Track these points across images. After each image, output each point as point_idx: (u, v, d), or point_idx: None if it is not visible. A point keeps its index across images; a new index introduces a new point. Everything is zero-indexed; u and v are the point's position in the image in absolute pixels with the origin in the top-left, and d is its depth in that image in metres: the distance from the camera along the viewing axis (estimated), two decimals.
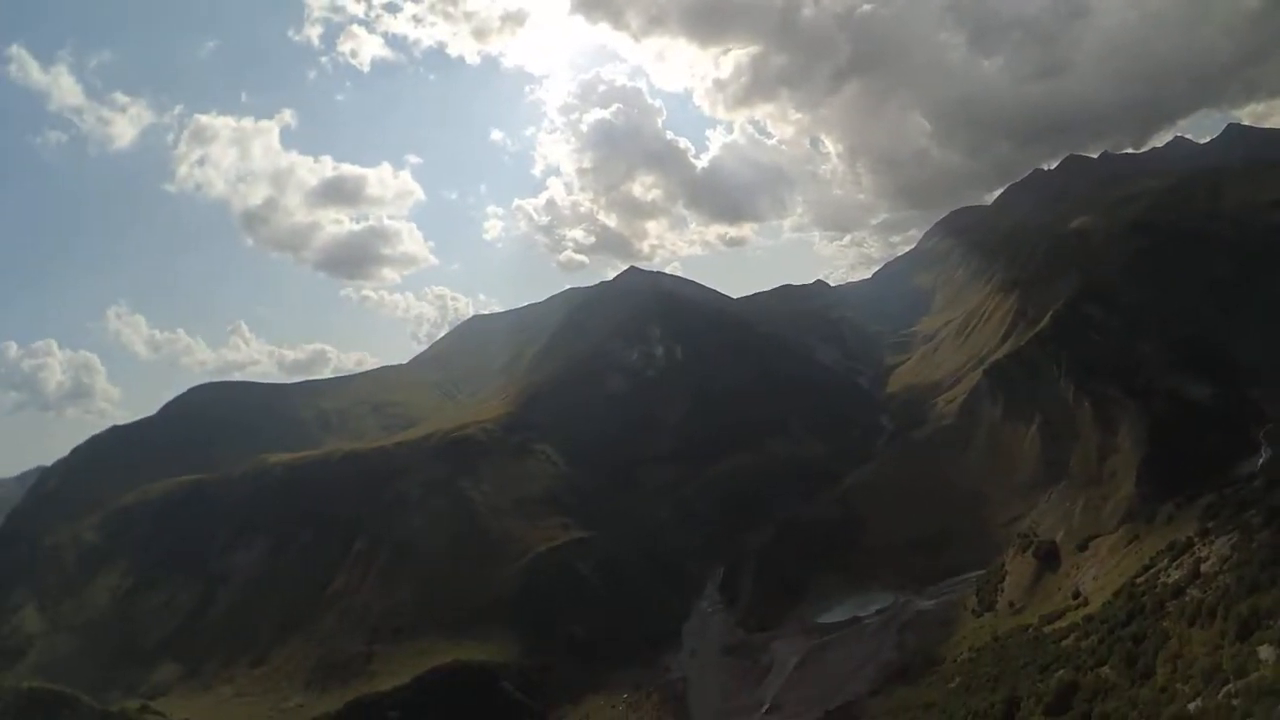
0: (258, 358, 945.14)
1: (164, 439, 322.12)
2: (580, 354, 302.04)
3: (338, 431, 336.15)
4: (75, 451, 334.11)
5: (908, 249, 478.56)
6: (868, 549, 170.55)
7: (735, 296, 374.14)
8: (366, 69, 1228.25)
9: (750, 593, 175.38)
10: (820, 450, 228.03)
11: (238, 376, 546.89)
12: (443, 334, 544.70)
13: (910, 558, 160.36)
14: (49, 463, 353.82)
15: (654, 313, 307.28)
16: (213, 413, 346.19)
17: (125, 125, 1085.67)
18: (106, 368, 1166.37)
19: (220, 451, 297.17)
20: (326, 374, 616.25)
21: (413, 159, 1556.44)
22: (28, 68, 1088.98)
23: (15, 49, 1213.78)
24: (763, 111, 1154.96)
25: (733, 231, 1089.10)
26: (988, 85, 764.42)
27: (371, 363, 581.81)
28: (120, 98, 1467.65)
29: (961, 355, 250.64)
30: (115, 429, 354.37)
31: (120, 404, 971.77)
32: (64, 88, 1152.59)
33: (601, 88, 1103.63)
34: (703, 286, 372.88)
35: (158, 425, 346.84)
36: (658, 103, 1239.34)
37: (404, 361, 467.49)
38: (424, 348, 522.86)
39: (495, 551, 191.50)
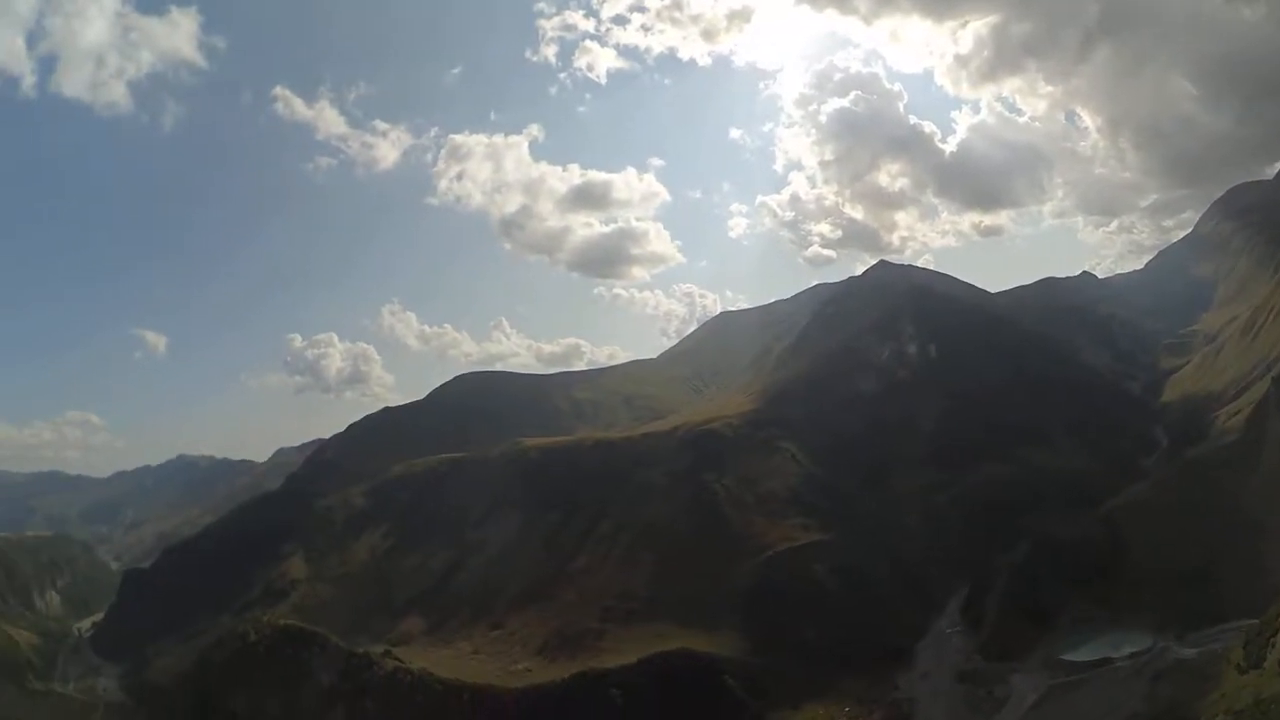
0: (517, 350, 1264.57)
1: (430, 421, 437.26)
2: (829, 351, 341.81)
3: (590, 420, 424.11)
4: (351, 428, 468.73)
5: (1183, 234, 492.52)
6: (1130, 581, 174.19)
7: (993, 291, 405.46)
8: (604, 81, 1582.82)
9: (994, 617, 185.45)
10: (1083, 463, 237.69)
11: (499, 367, 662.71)
12: (691, 330, 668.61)
13: (1176, 595, 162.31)
14: (327, 436, 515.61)
15: (906, 308, 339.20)
16: (475, 399, 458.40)
17: (387, 148, 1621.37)
18: (381, 357, 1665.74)
19: (479, 434, 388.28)
20: (581, 366, 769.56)
21: (655, 162, 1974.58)
22: (293, 105, 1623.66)
23: (279, 89, 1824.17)
24: (1010, 87, 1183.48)
25: (987, 220, 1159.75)
26: (1250, 39, 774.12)
27: (623, 357, 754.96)
28: (380, 124, 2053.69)
29: (1248, 359, 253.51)
30: (387, 410, 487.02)
31: (392, 389, 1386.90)
32: (328, 119, 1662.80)
33: (837, 76, 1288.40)
34: (957, 280, 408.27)
35: (425, 408, 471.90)
36: (897, 86, 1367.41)
37: (654, 356, 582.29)
38: (673, 343, 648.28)
39: (733, 546, 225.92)
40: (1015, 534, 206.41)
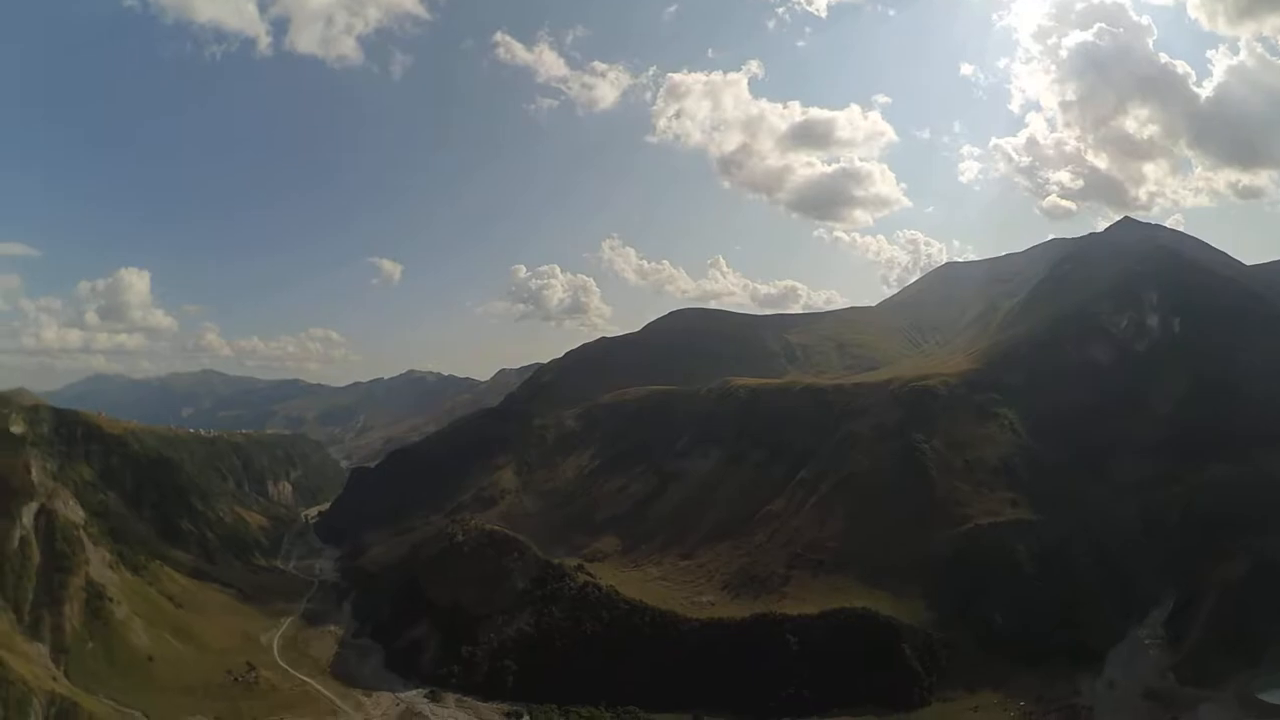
0: (733, 289, 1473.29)
1: (644, 353, 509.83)
2: (1061, 314, 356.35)
3: (801, 365, 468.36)
4: (568, 354, 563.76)
5: None
6: None
7: (1249, 263, 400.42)
8: (823, 13, 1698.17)
9: (1197, 636, 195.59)
10: None
11: (714, 305, 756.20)
12: (914, 279, 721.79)
13: None
14: (545, 361, 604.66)
15: (1150, 274, 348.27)
16: (688, 335, 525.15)
17: (607, 89, 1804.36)
18: (600, 289, 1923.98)
19: (691, 369, 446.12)
20: (796, 309, 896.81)
21: (881, 99, 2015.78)
22: (513, 49, 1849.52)
23: (500, 35, 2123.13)
24: (1272, 25, 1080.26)
25: (1246, 179, 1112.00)
26: None
27: (840, 302, 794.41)
28: (599, 65, 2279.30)
29: None
30: (603, 340, 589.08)
31: (610, 320, 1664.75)
32: (548, 62, 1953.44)
33: (1079, 6, 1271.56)
34: (1210, 246, 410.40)
35: (639, 341, 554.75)
36: (1145, 19, 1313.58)
37: (872, 304, 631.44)
38: (893, 291, 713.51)
39: (934, 512, 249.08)
40: (1235, 550, 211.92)
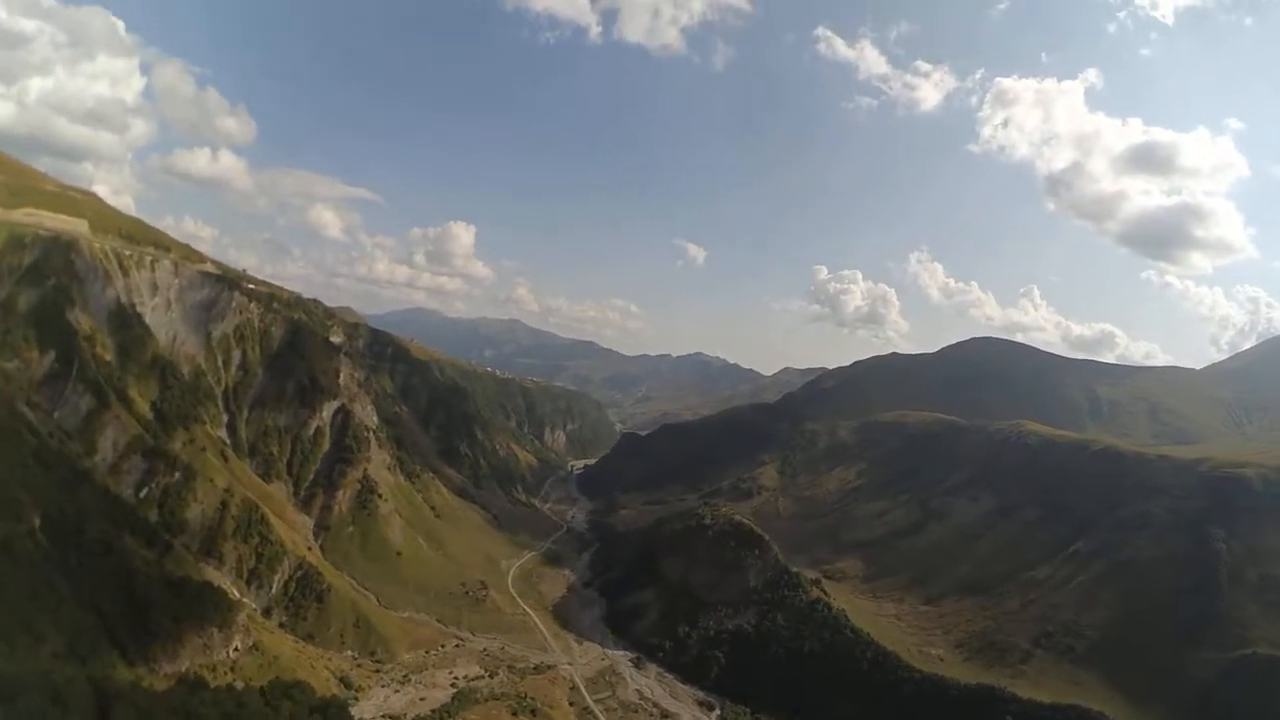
0: (1043, 324, 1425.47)
1: (935, 376, 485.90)
2: None
3: (1104, 422, 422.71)
4: (856, 364, 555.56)
5: None
6: None
7: None
8: (1170, 20, 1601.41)
9: None
10: None
11: (1019, 338, 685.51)
12: (1248, 345, 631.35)
13: None
14: (831, 367, 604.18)
15: None
16: (986, 366, 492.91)
17: (929, 90, 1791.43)
18: (900, 302, 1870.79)
19: (981, 403, 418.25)
20: (1109, 358, 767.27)
21: (1234, 124, 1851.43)
22: (834, 45, 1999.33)
23: (821, 30, 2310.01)
24: None
25: None
26: None
27: (1160, 359, 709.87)
28: (923, 65, 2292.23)
29: None
30: (895, 355, 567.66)
31: (906, 336, 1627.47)
32: (869, 59, 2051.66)
33: None
34: None
35: (932, 363, 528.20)
36: None
37: (1196, 367, 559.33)
38: (1223, 356, 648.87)
39: (1210, 625, 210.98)
40: None
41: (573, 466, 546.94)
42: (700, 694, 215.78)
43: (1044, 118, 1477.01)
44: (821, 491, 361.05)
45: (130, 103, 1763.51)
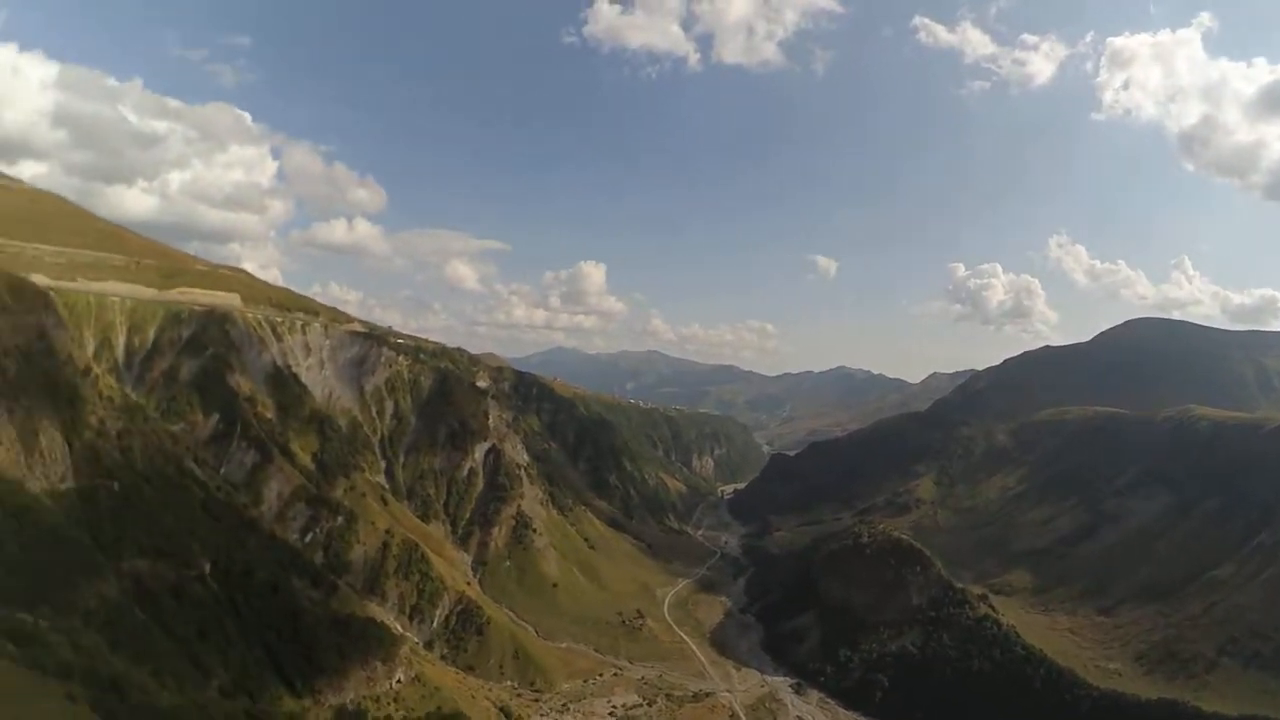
0: (1199, 297, 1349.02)
1: (1091, 367, 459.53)
2: None
3: (1277, 396, 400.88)
4: (1006, 362, 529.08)
5: None
6: None
7: None
8: None
9: None
10: None
11: (1176, 315, 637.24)
12: None
13: None
14: (980, 368, 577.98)
15: None
16: (1145, 349, 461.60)
17: (1040, 62, 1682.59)
18: (1045, 292, 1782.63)
19: (1144, 391, 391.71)
20: (1275, 326, 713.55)
21: None
22: (935, 32, 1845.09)
23: (919, 19, 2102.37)
24: None
25: None
26: None
27: None
28: (1029, 37, 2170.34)
29: None
30: (1047, 349, 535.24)
31: (1055, 327, 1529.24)
32: (973, 41, 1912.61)
33: None
34: None
35: (1087, 353, 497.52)
36: None
37: None
38: None
39: None
40: None
41: (722, 492, 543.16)
42: None
43: (1165, 73, 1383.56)
44: (982, 501, 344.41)
45: (265, 185, 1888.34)
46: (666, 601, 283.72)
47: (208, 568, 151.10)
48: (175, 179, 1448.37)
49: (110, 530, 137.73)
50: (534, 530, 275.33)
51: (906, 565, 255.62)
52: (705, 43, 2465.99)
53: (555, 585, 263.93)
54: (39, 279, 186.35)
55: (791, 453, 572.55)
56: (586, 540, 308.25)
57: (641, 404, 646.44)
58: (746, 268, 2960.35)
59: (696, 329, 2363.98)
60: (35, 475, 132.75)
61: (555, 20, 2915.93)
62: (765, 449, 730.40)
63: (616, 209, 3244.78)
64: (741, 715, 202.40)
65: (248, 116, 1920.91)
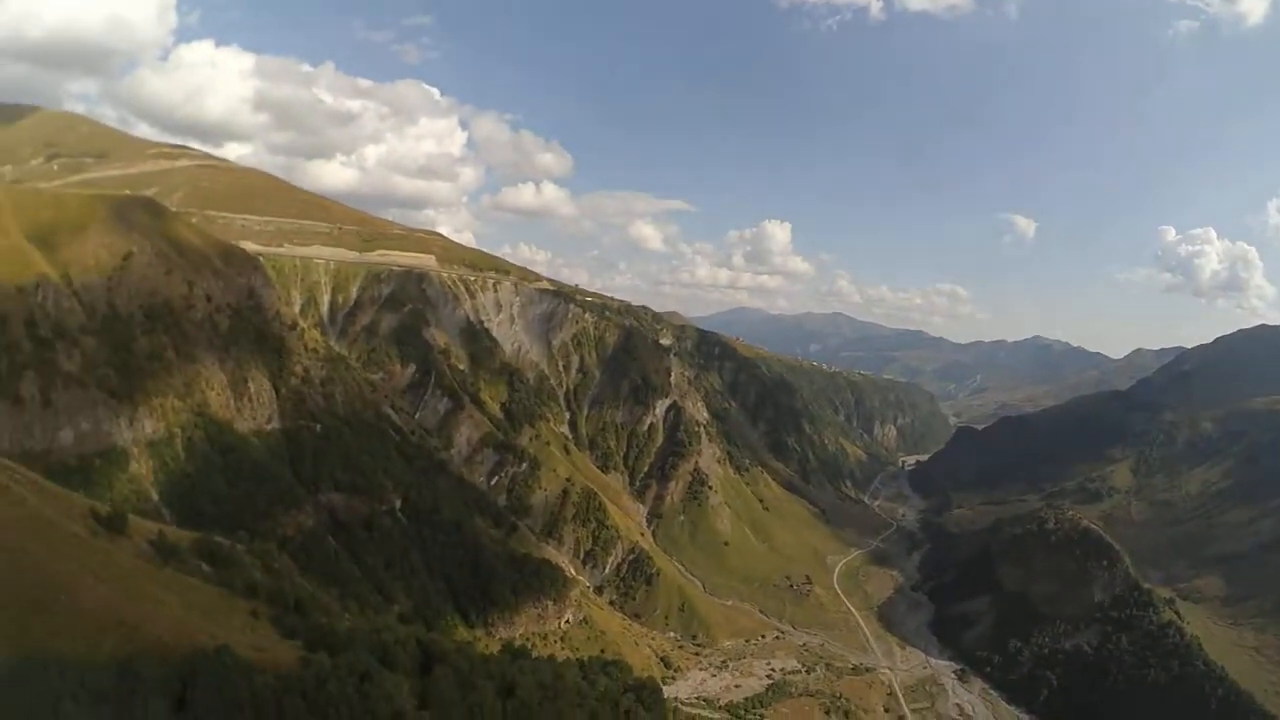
0: None
1: None
2: None
3: None
4: (1217, 341, 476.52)
5: None
6: None
7: None
8: None
9: None
10: None
11: None
12: None
13: None
14: (1189, 346, 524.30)
15: None
16: None
17: (1250, 1, 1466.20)
18: (1264, 263, 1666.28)
19: None
20: None
21: None
22: None
23: None
24: None
25: None
26: None
27: None
28: None
29: None
30: (1264, 328, 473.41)
31: (1273, 303, 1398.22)
32: None
33: None
34: None
35: None
36: None
37: None
38: None
39: None
40: None
41: (903, 462, 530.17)
42: (1026, 717, 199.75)
43: None
44: (1180, 495, 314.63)
45: (456, 154, 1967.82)
46: (837, 570, 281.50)
47: (398, 504, 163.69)
48: (371, 152, 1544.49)
49: (310, 467, 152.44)
50: (709, 487, 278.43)
51: (1092, 558, 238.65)
52: None
53: (726, 543, 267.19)
54: (249, 245, 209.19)
55: (979, 426, 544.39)
56: (761, 501, 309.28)
57: (824, 367, 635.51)
58: (938, 227, 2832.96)
59: (884, 291, 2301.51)
60: (244, 417, 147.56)
61: None
62: (951, 420, 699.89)
63: (801, 167, 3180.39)
64: (900, 694, 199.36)
65: (435, 91, 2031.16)
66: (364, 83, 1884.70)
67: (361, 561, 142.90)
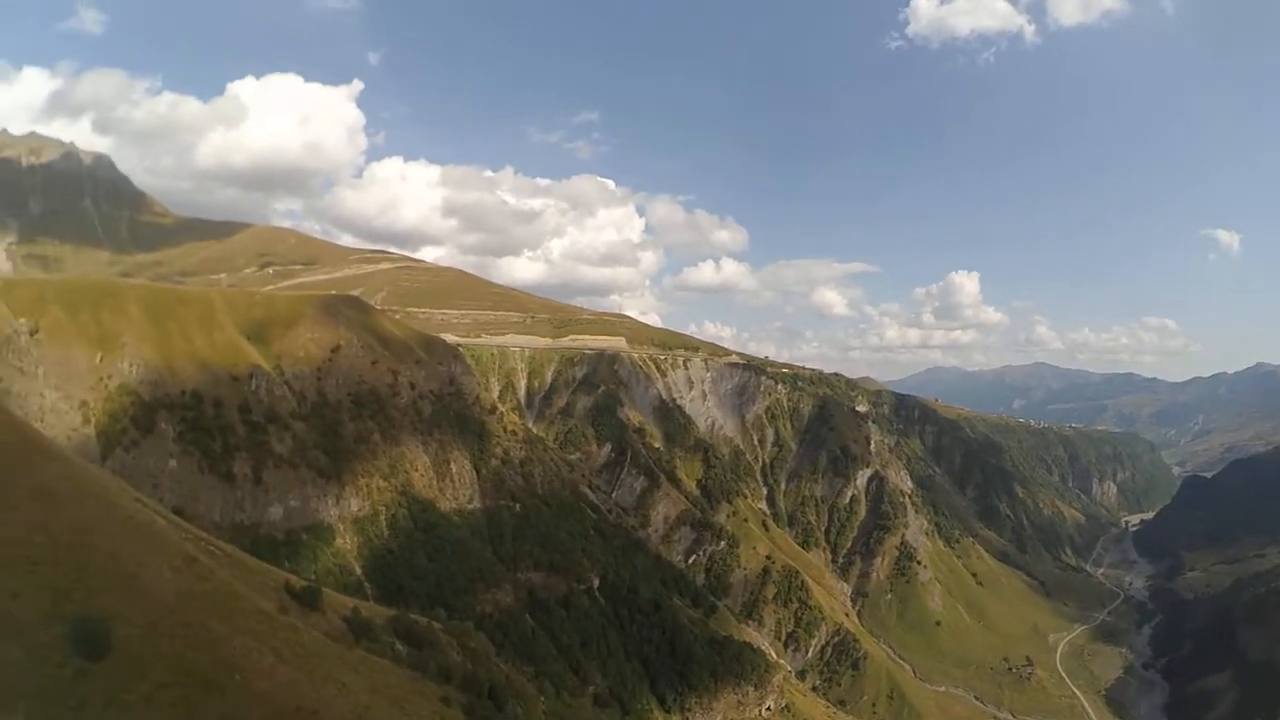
0: None
1: None
2: None
3: None
4: None
5: None
6: None
7: None
8: None
9: None
10: None
11: None
12: None
13: None
14: None
15: None
16: None
17: None
18: None
19: None
20: None
21: None
22: None
23: None
24: None
25: None
26: None
27: None
28: None
29: None
30: None
31: None
32: None
33: None
34: None
35: None
36: None
37: None
38: None
39: None
40: None
41: (1127, 522, 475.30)
42: None
43: None
44: None
45: (635, 240, 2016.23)
46: (1059, 649, 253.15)
47: (596, 582, 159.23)
48: (556, 245, 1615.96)
49: (510, 546, 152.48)
50: (918, 562, 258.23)
51: None
52: (1037, 10, 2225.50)
53: (938, 623, 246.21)
54: (448, 337, 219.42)
55: (1207, 474, 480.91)
56: (974, 575, 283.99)
57: (1032, 423, 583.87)
58: (1135, 256, 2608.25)
59: (1086, 334, 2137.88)
60: (446, 497, 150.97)
61: (874, 29, 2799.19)
62: (1176, 470, 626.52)
63: (982, 213, 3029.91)
64: None
65: (610, 182, 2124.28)
66: (542, 181, 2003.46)
67: (558, 640, 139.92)
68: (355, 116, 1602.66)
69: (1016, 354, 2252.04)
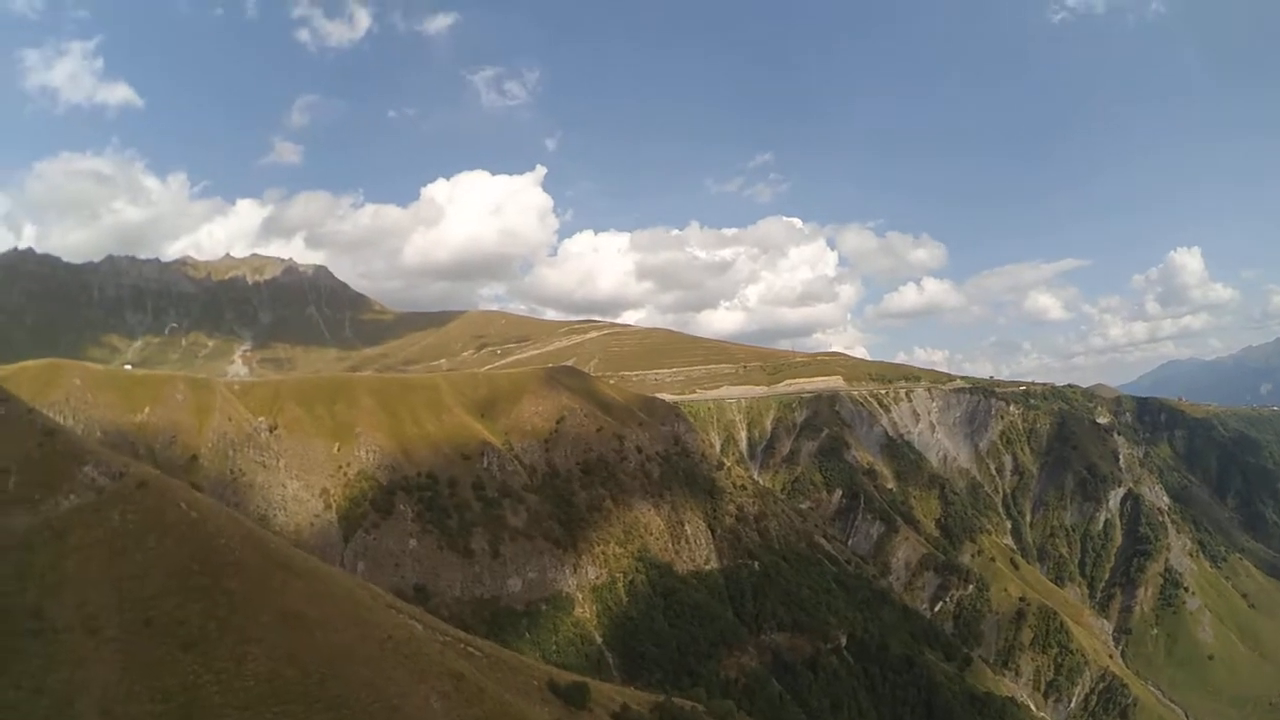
0: None
1: None
2: None
3: None
4: None
5: None
6: None
7: None
8: None
9: None
10: None
11: None
12: None
13: None
14: None
15: None
16: None
17: None
18: None
19: None
20: None
21: None
22: None
23: None
24: None
25: None
26: None
27: None
28: None
29: None
30: None
31: None
32: None
33: None
34: None
35: None
36: None
37: None
38: None
39: None
40: None
41: None
42: None
43: None
44: None
45: (831, 274, 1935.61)
46: None
47: (844, 640, 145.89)
48: (752, 292, 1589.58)
49: (751, 606, 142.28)
50: (1184, 589, 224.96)
51: None
52: None
53: (1211, 657, 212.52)
54: (665, 396, 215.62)
55: None
56: (1244, 596, 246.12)
57: None
58: None
59: None
60: (682, 559, 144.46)
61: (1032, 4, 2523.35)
62: None
63: (1196, 178, 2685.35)
64: None
65: (797, 220, 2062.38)
66: (729, 231, 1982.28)
67: (806, 705, 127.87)
68: (542, 199, 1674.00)
69: (1254, 332, 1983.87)
